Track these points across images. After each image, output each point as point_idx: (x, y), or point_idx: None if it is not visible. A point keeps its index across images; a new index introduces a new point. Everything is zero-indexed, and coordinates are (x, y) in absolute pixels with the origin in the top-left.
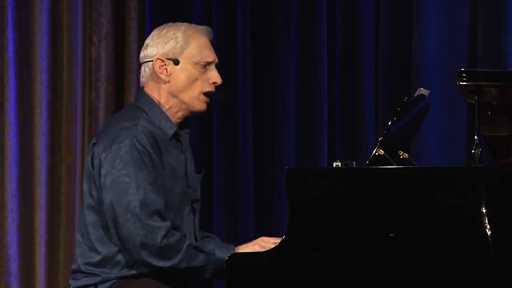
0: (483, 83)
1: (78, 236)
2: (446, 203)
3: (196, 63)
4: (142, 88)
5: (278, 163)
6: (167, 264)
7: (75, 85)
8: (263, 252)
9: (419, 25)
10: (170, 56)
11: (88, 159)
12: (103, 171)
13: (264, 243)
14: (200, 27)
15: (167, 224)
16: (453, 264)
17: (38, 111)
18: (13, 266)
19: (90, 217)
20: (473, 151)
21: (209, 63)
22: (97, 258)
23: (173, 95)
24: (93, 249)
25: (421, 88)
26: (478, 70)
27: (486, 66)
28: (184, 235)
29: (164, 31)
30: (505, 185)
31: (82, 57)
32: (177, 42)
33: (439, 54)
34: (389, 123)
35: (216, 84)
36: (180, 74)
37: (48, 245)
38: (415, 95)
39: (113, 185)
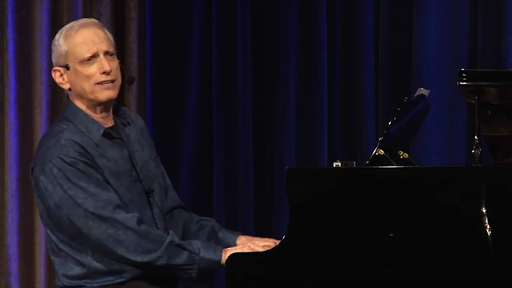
0: (483, 83)
1: (50, 254)
2: (446, 203)
3: (81, 62)
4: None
5: (278, 163)
6: (145, 259)
7: None
8: (263, 252)
9: (419, 25)
10: (61, 63)
11: (32, 182)
12: (47, 194)
13: (254, 246)
14: (77, 23)
15: (134, 214)
16: (453, 264)
17: (38, 111)
18: (13, 266)
19: (56, 235)
20: (473, 151)
21: (91, 57)
22: (77, 270)
23: (81, 96)
24: (70, 262)
25: (421, 88)
26: (478, 70)
27: (486, 66)
28: (168, 232)
29: (54, 39)
30: (505, 185)
31: None
32: (61, 48)
33: (439, 54)
34: (389, 123)
35: (106, 72)
36: (74, 77)
37: None
38: (415, 95)
39: (62, 203)
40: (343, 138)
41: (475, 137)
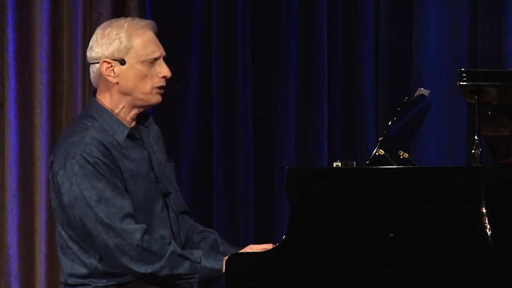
0: (483, 83)
1: (58, 250)
2: (446, 203)
3: (143, 61)
4: (94, 93)
5: (278, 163)
6: (148, 269)
7: (75, 85)
8: (263, 252)
9: (419, 25)
10: (116, 56)
11: (50, 177)
12: (63, 190)
13: (252, 250)
14: (142, 22)
15: (142, 226)
16: (453, 264)
17: (38, 111)
18: (13, 266)
19: (65, 233)
20: (473, 151)
21: (155, 59)
22: (83, 269)
23: (126, 94)
24: (76, 261)
25: (421, 88)
26: (478, 70)
27: (486, 66)
28: (169, 242)
29: (107, 31)
30: (505, 185)
31: (82, 57)
32: (121, 42)
33: (439, 54)
34: (389, 123)
35: (166, 78)
36: (128, 73)
37: (48, 245)
38: (415, 95)
39: (76, 202)
40: (343, 138)
41: (475, 137)
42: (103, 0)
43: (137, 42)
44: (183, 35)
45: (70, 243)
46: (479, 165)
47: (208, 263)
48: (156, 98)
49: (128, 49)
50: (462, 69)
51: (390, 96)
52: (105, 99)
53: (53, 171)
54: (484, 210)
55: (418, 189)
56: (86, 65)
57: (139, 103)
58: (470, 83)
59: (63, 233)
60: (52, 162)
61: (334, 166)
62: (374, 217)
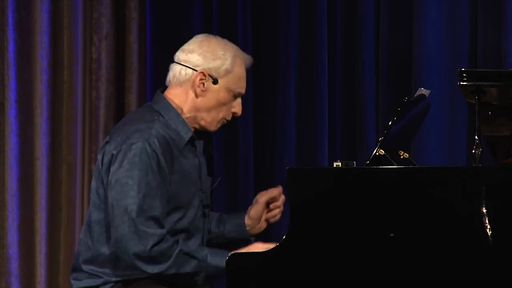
0: (483, 83)
1: (81, 233)
2: (446, 203)
3: (230, 90)
4: (162, 90)
5: (278, 163)
6: (155, 270)
7: (75, 85)
8: (263, 252)
9: (419, 25)
10: (213, 73)
11: (99, 156)
12: (112, 169)
13: (258, 250)
14: (247, 56)
15: (162, 231)
16: (453, 264)
17: (39, 111)
18: (13, 266)
19: (95, 215)
20: (473, 151)
21: (239, 95)
22: (97, 256)
23: (197, 109)
24: (93, 246)
25: (422, 88)
26: (478, 70)
27: (486, 66)
28: (177, 241)
29: (214, 47)
30: (505, 185)
31: (82, 57)
32: (224, 64)
33: (439, 54)
34: (390, 123)
35: (236, 115)
36: (214, 94)
37: (49, 245)
38: (415, 95)
39: (116, 184)
40: (343, 138)
41: (475, 137)
42: (103, 0)
43: (236, 71)
44: (183, 36)
45: (95, 227)
46: (479, 165)
47: (213, 261)
48: (214, 128)
49: (227, 73)
50: (462, 69)
51: (390, 96)
52: (176, 99)
53: (107, 150)
54: (484, 210)
55: (418, 189)
56: (86, 65)
57: (201, 123)
58: (470, 83)
59: (93, 215)
60: (106, 142)
61: (334, 166)
62: (375, 217)
